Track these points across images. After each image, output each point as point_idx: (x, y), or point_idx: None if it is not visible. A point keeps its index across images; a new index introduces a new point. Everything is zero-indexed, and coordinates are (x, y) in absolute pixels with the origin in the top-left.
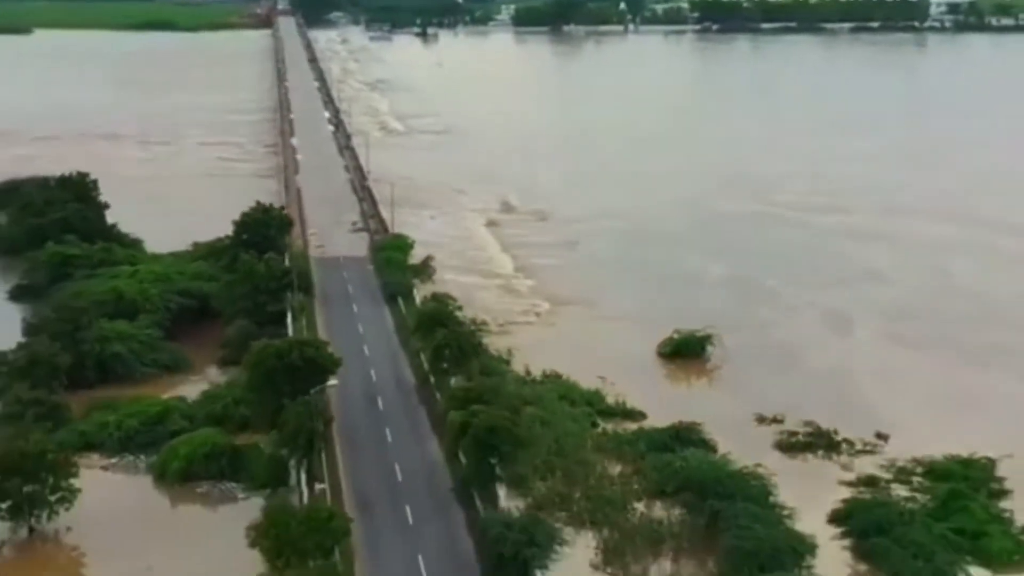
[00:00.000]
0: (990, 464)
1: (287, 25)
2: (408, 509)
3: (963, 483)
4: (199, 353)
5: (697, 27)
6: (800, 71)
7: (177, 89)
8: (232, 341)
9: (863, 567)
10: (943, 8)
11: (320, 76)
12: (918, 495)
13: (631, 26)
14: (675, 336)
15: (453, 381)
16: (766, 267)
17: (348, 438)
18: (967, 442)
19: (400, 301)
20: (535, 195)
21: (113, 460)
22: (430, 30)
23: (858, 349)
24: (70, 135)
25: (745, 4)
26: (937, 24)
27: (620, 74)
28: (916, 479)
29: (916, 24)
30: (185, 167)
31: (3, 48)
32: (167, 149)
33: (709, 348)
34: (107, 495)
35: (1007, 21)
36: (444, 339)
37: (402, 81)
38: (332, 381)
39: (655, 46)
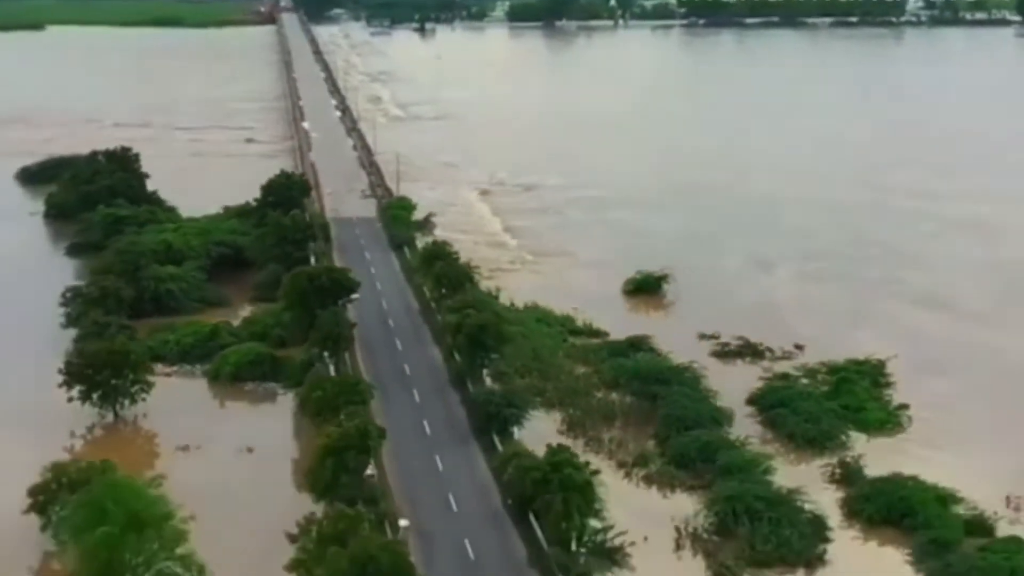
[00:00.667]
0: (880, 364)
1: (290, 21)
2: (415, 392)
3: (855, 375)
4: (236, 294)
5: (684, 22)
6: (776, 63)
7: (187, 81)
8: (264, 283)
9: (767, 433)
10: (920, 3)
11: (325, 67)
12: (819, 385)
13: (621, 21)
14: (637, 276)
15: (449, 303)
16: (714, 223)
17: (366, 347)
18: (864, 350)
19: (405, 249)
20: (523, 171)
21: (174, 368)
22: (428, 25)
23: (782, 283)
24: (86, 122)
25: (730, 0)
26: (913, 19)
27: (606, 66)
28: (820, 375)
29: (893, 19)
30: (198, 149)
31: (19, 43)
32: (179, 134)
33: (665, 286)
34: (172, 393)
35: (980, 15)
36: (442, 270)
37: (402, 73)
38: (355, 295)
39: (643, 40)
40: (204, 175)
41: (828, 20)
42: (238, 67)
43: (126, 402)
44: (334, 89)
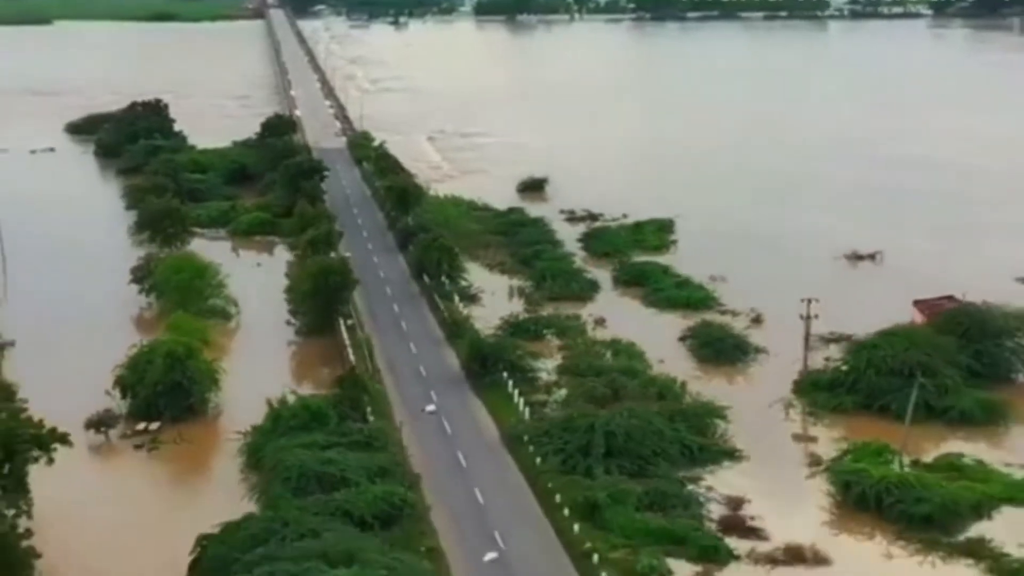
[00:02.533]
0: (670, 221)
1: (277, 16)
2: (364, 232)
3: (650, 226)
4: (245, 194)
5: (633, 16)
6: (703, 49)
7: (191, 65)
8: (264, 187)
9: (584, 254)
10: None
11: (308, 52)
12: (625, 231)
13: (576, 15)
14: (526, 179)
15: (385, 180)
16: (592, 152)
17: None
18: (666, 214)
19: (364, 163)
20: (466, 126)
21: (205, 231)
22: (401, 19)
23: (629, 183)
24: (110, 94)
25: None
26: (837, 13)
27: (553, 53)
28: (629, 226)
29: (819, 13)
30: (207, 111)
31: (32, 37)
32: (190, 100)
33: (546, 186)
34: (205, 244)
35: (898, 9)
36: (384, 163)
37: (375, 57)
38: (326, 174)
39: (594, 31)
40: (214, 125)
41: (760, 14)
42: (232, 54)
43: (178, 244)
44: (315, 68)
